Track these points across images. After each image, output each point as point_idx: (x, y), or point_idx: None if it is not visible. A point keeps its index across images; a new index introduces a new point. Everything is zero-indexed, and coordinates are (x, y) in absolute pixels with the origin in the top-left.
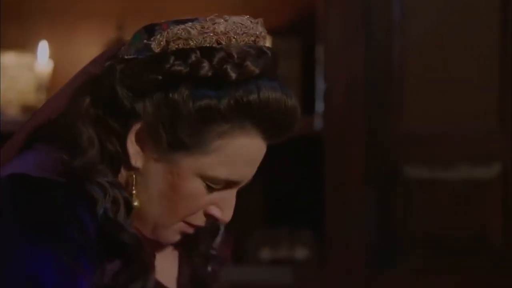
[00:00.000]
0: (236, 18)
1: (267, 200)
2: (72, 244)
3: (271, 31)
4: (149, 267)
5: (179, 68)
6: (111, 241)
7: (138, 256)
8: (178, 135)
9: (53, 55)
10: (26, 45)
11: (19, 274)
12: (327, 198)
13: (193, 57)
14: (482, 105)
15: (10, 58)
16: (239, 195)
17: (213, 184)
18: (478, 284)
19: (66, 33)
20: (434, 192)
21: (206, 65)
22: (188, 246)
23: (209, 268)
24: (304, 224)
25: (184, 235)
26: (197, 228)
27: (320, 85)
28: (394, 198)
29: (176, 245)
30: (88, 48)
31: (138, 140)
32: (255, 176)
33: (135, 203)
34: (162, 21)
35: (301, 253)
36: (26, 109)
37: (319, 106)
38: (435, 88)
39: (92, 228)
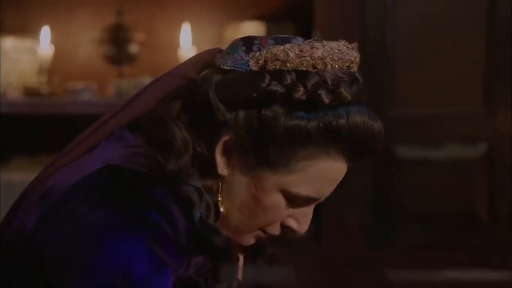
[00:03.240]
0: (333, 44)
1: None
2: (164, 237)
3: (265, 17)
4: (236, 269)
5: (275, 88)
6: (202, 242)
7: (228, 259)
8: (265, 152)
9: (53, 40)
10: (27, 30)
11: (111, 264)
12: None
13: (289, 79)
14: (470, 89)
15: (11, 42)
16: None
17: (294, 200)
18: (468, 257)
19: (66, 19)
20: (425, 171)
21: (301, 89)
22: (255, 251)
23: (273, 268)
24: None
25: (258, 239)
26: (272, 236)
27: None
28: (388, 178)
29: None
30: (87, 33)
31: (226, 150)
32: None
33: (221, 209)
34: (261, 35)
35: None
36: (27, 91)
37: None
38: (426, 73)
39: (181, 223)
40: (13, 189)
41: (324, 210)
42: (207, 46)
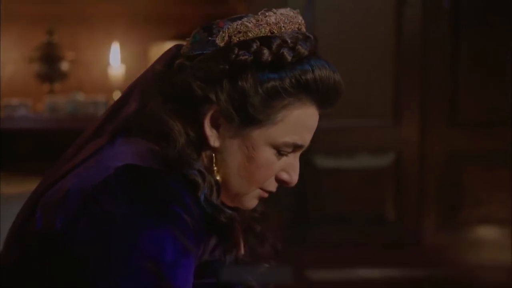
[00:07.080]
0: (281, 10)
1: None
2: (184, 225)
3: (187, 36)
4: (240, 242)
5: (244, 57)
6: (210, 221)
7: (233, 233)
8: (249, 114)
9: None
10: None
11: (144, 252)
12: None
13: (254, 46)
14: (379, 104)
15: None
16: None
17: (283, 149)
18: (376, 255)
19: None
20: (339, 177)
21: (266, 51)
22: (245, 227)
23: (264, 247)
24: None
25: (260, 199)
26: (270, 193)
27: None
28: (306, 184)
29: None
30: (17, 51)
31: (213, 123)
32: None
33: (217, 178)
34: (217, 20)
35: None
36: None
37: None
38: None
39: (194, 210)
40: None
41: None
42: (134, 64)
